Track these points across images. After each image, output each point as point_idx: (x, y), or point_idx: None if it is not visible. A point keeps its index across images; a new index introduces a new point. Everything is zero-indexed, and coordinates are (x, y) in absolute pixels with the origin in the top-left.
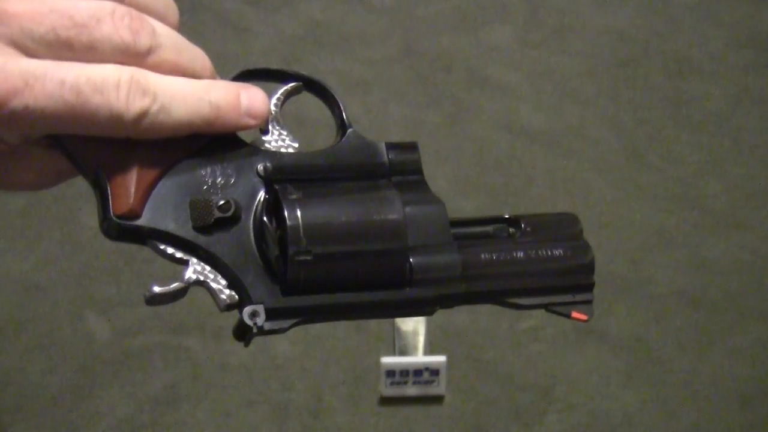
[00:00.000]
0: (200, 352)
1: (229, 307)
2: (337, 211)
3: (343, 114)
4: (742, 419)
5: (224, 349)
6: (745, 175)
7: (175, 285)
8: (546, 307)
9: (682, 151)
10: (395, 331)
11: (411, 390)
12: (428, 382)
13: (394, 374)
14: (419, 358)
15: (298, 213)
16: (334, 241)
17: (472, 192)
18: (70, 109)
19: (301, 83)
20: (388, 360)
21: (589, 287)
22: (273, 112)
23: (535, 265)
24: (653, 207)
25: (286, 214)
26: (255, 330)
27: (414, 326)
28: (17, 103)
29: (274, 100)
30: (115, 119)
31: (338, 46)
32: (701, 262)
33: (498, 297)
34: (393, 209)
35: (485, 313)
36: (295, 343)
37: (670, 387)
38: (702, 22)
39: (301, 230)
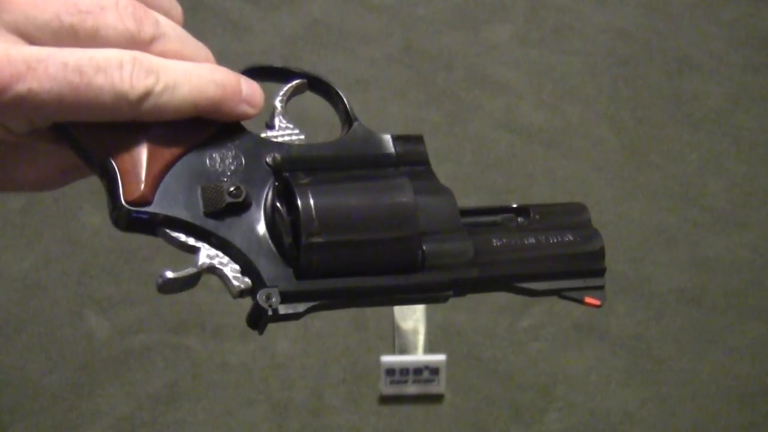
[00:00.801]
0: (200, 350)
1: (242, 293)
2: (348, 195)
3: (348, 108)
4: (742, 418)
5: (224, 347)
6: (745, 174)
7: (187, 270)
8: (558, 293)
9: (682, 149)
10: (395, 329)
11: (411, 389)
12: (428, 381)
13: (394, 373)
14: (419, 356)
15: (310, 196)
16: (346, 224)
17: (473, 190)
18: (74, 91)
19: (305, 80)
20: (388, 359)
21: (600, 272)
22: (278, 107)
23: (545, 251)
24: (653, 205)
25: (298, 197)
26: (270, 312)
27: (414, 325)
28: (21, 86)
29: (279, 96)
30: (120, 99)
31: (338, 45)
32: (701, 260)
33: (510, 282)
34: (404, 194)
35: (485, 311)
36: (295, 342)
37: (670, 385)
38: (702, 21)
39: (314, 212)
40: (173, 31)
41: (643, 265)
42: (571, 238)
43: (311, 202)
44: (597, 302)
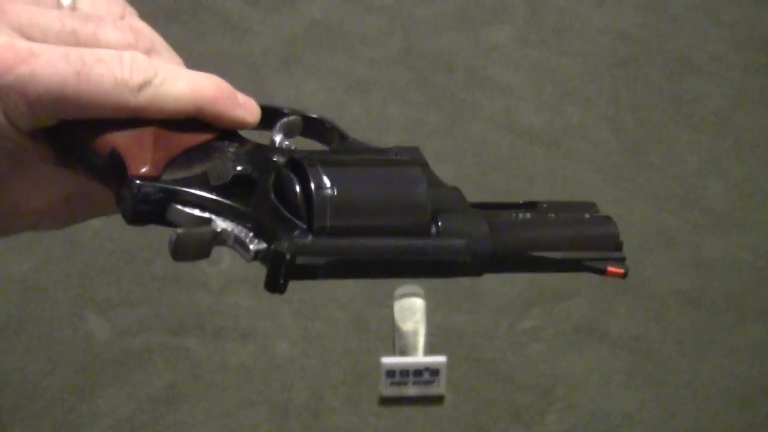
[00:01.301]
0: (200, 352)
1: (258, 253)
2: (359, 168)
3: (341, 131)
4: (742, 419)
5: (224, 349)
6: (746, 175)
7: (201, 229)
8: (579, 263)
9: (682, 150)
10: (395, 331)
11: (411, 390)
12: (428, 383)
13: (394, 374)
14: (419, 358)
15: (319, 166)
16: (357, 184)
17: (473, 192)
18: (75, 76)
19: (299, 117)
20: (388, 360)
21: (618, 246)
22: (277, 128)
23: (561, 225)
24: (653, 207)
25: (306, 166)
26: (288, 256)
27: (414, 326)
28: (24, 68)
29: (278, 125)
30: (120, 86)
31: (338, 46)
32: (701, 261)
33: (528, 252)
34: (413, 169)
35: (485, 313)
36: (295, 343)
37: (670, 387)
38: (702, 22)
39: (323, 174)
40: (168, 53)
41: (643, 267)
42: (585, 217)
43: (320, 169)
44: (620, 271)
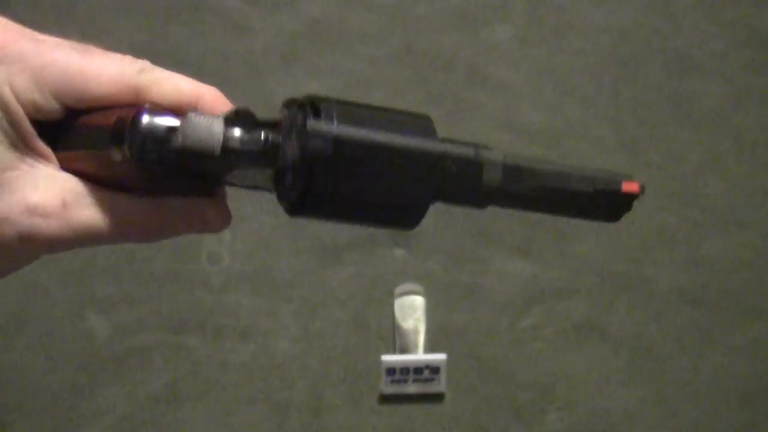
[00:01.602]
0: (200, 350)
1: (267, 142)
2: (366, 106)
3: None
4: (742, 417)
5: (224, 347)
6: (746, 174)
7: (211, 118)
8: (593, 181)
9: (682, 149)
10: (395, 329)
11: (411, 388)
12: (428, 380)
13: (394, 372)
14: (419, 356)
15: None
16: (365, 110)
17: None
18: (79, 56)
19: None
20: (388, 358)
21: (628, 176)
22: None
23: (572, 166)
24: (653, 205)
25: (312, 98)
26: (300, 123)
27: (414, 324)
28: (29, 44)
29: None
30: (122, 68)
31: (338, 45)
32: (701, 260)
33: (539, 175)
34: (419, 113)
35: (485, 311)
36: (296, 342)
37: (670, 385)
38: (702, 21)
39: (328, 100)
40: None
41: (643, 265)
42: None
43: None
44: (635, 186)
